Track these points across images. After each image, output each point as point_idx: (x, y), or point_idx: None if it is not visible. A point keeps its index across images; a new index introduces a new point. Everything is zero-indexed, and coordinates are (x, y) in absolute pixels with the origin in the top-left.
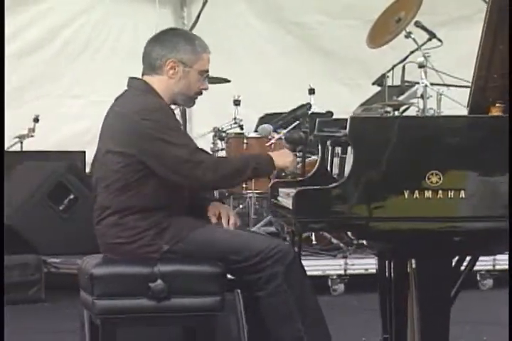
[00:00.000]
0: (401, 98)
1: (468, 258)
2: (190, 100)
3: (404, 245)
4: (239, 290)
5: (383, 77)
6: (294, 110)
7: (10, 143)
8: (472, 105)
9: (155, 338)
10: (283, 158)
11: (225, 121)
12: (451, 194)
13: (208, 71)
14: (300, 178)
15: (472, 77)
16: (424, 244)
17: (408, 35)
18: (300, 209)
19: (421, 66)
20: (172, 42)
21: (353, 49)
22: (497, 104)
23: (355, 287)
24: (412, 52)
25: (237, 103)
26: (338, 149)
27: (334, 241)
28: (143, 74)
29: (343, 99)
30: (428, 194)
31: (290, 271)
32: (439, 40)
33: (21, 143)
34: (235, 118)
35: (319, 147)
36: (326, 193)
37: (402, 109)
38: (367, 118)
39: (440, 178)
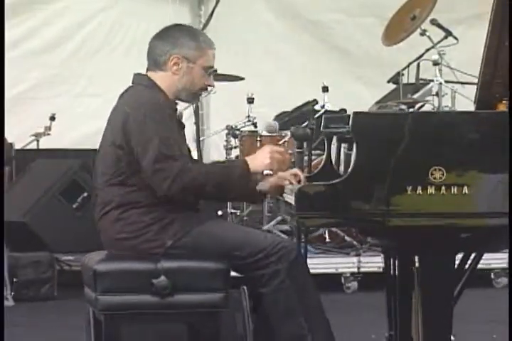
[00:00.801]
0: (416, 96)
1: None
2: (194, 96)
3: (407, 241)
4: (245, 287)
5: (398, 74)
6: (300, 107)
7: (26, 142)
8: (479, 101)
9: (159, 335)
10: (258, 162)
11: (242, 119)
12: (454, 190)
13: (213, 67)
14: (306, 175)
15: (478, 74)
16: (427, 241)
17: (423, 33)
18: (302, 205)
19: (435, 64)
20: (176, 38)
21: (369, 47)
22: (503, 101)
23: (369, 285)
24: (427, 49)
25: (250, 101)
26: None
27: (347, 238)
28: (147, 70)
29: (359, 97)
30: (431, 190)
31: (293, 268)
32: (455, 37)
33: (37, 141)
34: (248, 116)
35: (325, 143)
36: (328, 189)
37: (416, 106)
38: (370, 114)
39: (443, 174)
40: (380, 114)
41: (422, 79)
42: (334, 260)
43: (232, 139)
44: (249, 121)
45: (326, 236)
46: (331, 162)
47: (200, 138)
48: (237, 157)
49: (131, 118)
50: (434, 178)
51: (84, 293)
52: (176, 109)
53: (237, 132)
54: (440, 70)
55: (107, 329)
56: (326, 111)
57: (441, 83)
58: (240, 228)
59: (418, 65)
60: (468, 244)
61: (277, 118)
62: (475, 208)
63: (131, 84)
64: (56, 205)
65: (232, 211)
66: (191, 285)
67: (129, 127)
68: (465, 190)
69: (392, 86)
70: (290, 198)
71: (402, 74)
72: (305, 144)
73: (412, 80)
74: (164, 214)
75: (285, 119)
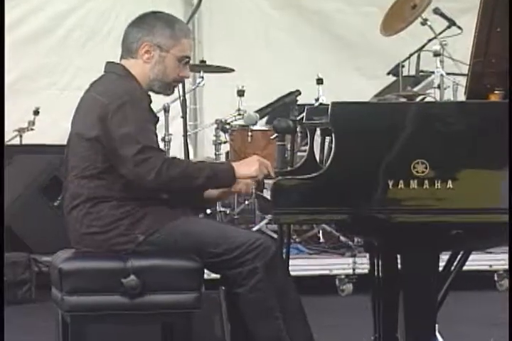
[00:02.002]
0: (416, 88)
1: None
2: (167, 87)
3: (389, 239)
4: (224, 288)
5: (398, 66)
6: (283, 97)
7: (9, 137)
8: (469, 92)
9: (129, 337)
10: (246, 167)
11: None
12: (438, 184)
13: (188, 57)
14: (288, 169)
15: (469, 64)
16: (408, 238)
17: (424, 23)
18: (277, 200)
19: (436, 54)
20: (150, 25)
21: (370, 37)
22: (495, 91)
23: (364, 287)
24: (429, 40)
25: (240, 93)
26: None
27: (342, 239)
28: (121, 59)
29: (358, 89)
30: (413, 184)
31: (271, 267)
32: (459, 27)
33: (20, 136)
34: (238, 110)
35: (308, 136)
36: (304, 184)
37: (417, 99)
38: (349, 104)
39: (426, 167)
40: (360, 104)
41: (422, 71)
42: (328, 261)
43: (222, 134)
44: (239, 114)
45: (320, 235)
46: (314, 155)
47: (191, 134)
48: (227, 153)
49: (111, 110)
50: (417, 172)
51: (51, 293)
52: (150, 100)
53: (227, 126)
54: (442, 61)
55: (73, 332)
56: (321, 105)
57: (442, 75)
58: (215, 224)
59: (418, 56)
60: (451, 241)
61: (261, 111)
62: (460, 204)
63: (103, 73)
64: (36, 203)
65: (222, 209)
66: (162, 285)
67: (109, 119)
68: (449, 184)
69: (393, 78)
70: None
71: (403, 66)
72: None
73: (414, 72)
74: (136, 209)
75: (266, 111)
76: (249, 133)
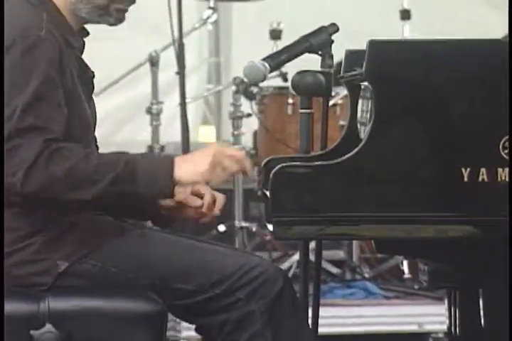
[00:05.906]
0: None
1: None
2: (103, 12)
3: (462, 268)
4: None
5: None
6: (306, 36)
7: None
8: None
9: None
10: (193, 165)
11: None
12: None
13: None
14: (319, 152)
15: None
16: (497, 264)
17: None
18: (279, 200)
19: None
20: None
21: None
22: None
23: None
24: None
25: (275, 35)
26: None
27: None
28: None
29: (483, 27)
30: (503, 174)
31: (276, 312)
32: None
33: None
34: None
35: (348, 97)
36: (324, 173)
37: None
38: (397, 44)
39: None
40: (415, 43)
41: None
42: (417, 309)
43: (244, 102)
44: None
45: (405, 268)
46: (357, 128)
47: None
48: (254, 134)
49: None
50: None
51: None
52: (81, 41)
53: (254, 90)
54: None
55: None
56: None
57: None
58: (187, 243)
59: None
60: None
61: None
62: None
63: None
64: None
65: (244, 225)
66: None
67: None
68: None
69: None
70: None
71: None
72: None
73: None
74: (57, 218)
75: (280, 59)
76: (290, 101)
